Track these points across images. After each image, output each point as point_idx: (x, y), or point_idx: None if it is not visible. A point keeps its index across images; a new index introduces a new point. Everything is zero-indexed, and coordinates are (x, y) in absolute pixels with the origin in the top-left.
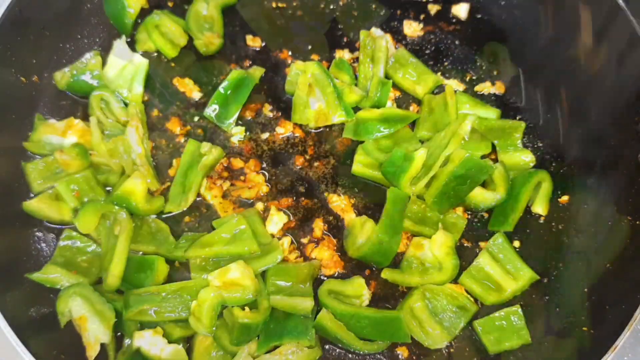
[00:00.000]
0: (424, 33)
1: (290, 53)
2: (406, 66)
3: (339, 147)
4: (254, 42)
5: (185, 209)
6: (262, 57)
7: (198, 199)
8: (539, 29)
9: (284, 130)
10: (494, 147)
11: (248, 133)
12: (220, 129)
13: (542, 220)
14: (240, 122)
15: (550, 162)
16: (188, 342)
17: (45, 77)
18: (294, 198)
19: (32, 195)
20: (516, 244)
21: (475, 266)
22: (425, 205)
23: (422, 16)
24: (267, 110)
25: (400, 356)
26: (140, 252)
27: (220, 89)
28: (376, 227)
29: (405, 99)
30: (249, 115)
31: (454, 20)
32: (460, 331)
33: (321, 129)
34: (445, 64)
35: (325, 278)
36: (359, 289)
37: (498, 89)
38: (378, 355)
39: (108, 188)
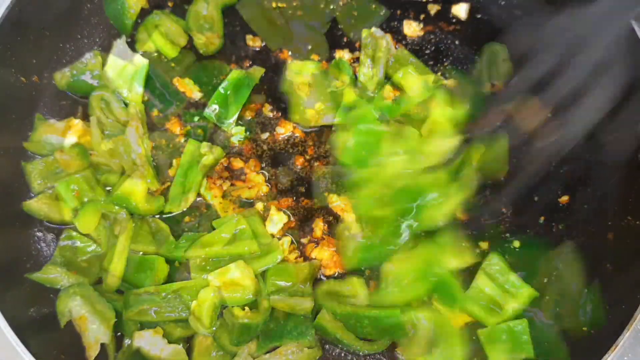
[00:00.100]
0: (424, 33)
1: (290, 53)
2: (406, 66)
3: None
4: (254, 42)
5: (185, 209)
6: (262, 57)
7: (198, 199)
8: (538, 28)
9: (284, 130)
10: None
11: (248, 133)
12: (220, 129)
13: (542, 220)
14: (240, 122)
15: (550, 162)
16: (188, 342)
17: (45, 77)
18: (294, 198)
19: (32, 195)
20: (516, 244)
21: (474, 288)
22: None
23: (422, 16)
24: (267, 110)
25: (399, 356)
26: (140, 252)
27: (220, 89)
28: None
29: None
30: (249, 115)
31: (453, 20)
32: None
33: (321, 129)
34: (445, 64)
35: (325, 278)
36: (357, 288)
37: (498, 89)
38: (378, 355)
39: (108, 188)
